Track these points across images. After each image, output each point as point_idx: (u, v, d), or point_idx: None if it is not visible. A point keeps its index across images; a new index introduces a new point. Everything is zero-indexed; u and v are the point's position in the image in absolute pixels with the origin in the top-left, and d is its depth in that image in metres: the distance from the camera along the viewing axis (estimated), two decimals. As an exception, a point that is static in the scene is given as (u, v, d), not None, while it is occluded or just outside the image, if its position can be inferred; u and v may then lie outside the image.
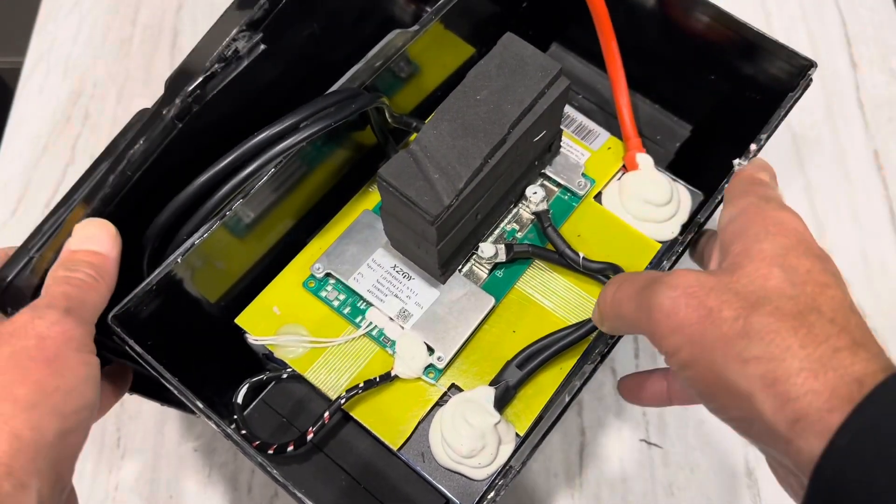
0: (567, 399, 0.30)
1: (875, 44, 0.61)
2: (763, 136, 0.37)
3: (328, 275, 0.40)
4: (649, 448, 0.47)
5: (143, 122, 0.32)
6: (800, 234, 0.25)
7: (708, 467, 0.47)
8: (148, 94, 0.61)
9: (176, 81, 0.32)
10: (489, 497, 0.29)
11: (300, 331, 0.39)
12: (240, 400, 0.38)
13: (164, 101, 0.32)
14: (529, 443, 0.30)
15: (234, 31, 0.32)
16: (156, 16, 0.64)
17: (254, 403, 0.40)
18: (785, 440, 0.22)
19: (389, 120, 0.40)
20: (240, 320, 0.39)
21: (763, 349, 0.22)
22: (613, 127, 0.45)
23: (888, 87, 0.60)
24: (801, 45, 0.61)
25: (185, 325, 0.37)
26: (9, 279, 0.31)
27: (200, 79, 0.32)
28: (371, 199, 0.43)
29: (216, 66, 0.32)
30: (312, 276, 0.40)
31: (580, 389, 0.31)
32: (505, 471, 0.30)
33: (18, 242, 0.54)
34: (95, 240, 0.31)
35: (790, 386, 0.22)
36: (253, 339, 0.39)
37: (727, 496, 0.46)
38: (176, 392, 0.31)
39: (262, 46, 0.34)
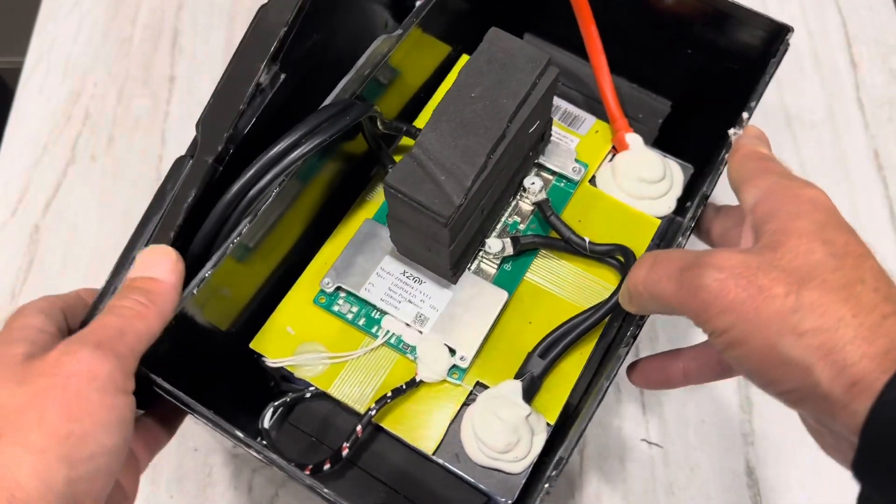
0: (606, 385, 0.31)
1: (875, 44, 0.62)
2: (752, 105, 0.37)
3: (338, 288, 0.39)
4: (650, 448, 0.47)
5: (187, 171, 0.32)
6: (831, 209, 0.27)
7: (708, 467, 0.47)
8: (148, 94, 0.60)
9: (207, 123, 0.33)
10: (545, 489, 0.29)
11: (318, 348, 0.38)
12: (266, 424, 0.38)
13: (202, 148, 0.32)
14: (577, 429, 0.30)
15: (260, 70, 0.33)
16: (156, 16, 0.63)
17: (272, 422, 0.39)
18: (841, 405, 0.23)
19: (381, 127, 0.40)
20: (254, 344, 0.38)
21: (817, 321, 0.23)
22: (596, 110, 0.46)
23: (888, 87, 0.60)
24: (801, 44, 0.61)
25: (200, 355, 0.37)
26: None
27: (234, 121, 0.33)
28: (370, 207, 0.42)
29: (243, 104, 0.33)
30: (322, 291, 0.39)
31: (616, 373, 0.31)
32: (556, 461, 0.30)
33: (18, 243, 0.53)
34: (153, 266, 0.31)
35: (846, 353, 0.23)
36: (271, 361, 0.38)
37: (727, 496, 0.46)
38: (211, 425, 0.31)
39: (283, 76, 0.34)
